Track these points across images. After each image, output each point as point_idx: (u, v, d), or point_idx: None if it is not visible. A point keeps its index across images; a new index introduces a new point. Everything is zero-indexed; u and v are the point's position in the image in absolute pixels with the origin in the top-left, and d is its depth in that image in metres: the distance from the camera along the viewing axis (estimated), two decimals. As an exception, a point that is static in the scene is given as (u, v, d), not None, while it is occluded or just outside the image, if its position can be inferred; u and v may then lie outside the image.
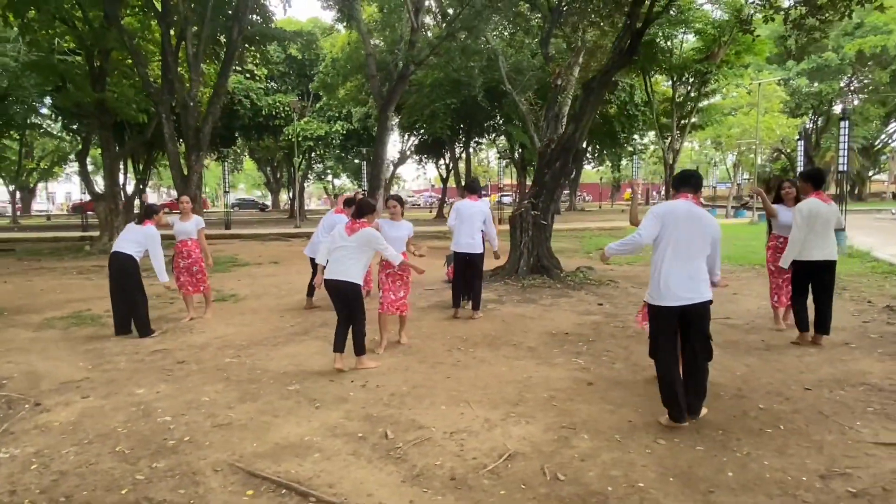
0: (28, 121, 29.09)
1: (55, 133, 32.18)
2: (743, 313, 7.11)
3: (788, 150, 34.31)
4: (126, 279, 6.41)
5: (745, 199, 29.56)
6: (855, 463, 3.27)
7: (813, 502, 2.89)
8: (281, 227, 25.40)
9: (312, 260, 7.88)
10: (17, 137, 31.24)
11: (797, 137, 21.53)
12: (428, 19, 21.20)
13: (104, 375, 5.07)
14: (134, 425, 3.93)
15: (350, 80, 25.73)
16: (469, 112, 28.65)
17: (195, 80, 12.16)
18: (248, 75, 29.87)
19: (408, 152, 45.43)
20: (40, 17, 16.10)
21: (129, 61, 17.66)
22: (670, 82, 18.54)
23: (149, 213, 6.67)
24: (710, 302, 3.81)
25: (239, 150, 44.41)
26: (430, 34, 21.32)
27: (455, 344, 5.88)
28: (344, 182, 54.68)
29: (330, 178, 54.78)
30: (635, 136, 28.60)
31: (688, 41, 18.23)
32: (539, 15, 15.67)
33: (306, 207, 47.45)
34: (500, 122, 32.03)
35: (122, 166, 34.54)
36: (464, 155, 37.08)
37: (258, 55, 17.78)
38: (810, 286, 5.56)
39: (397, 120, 32.04)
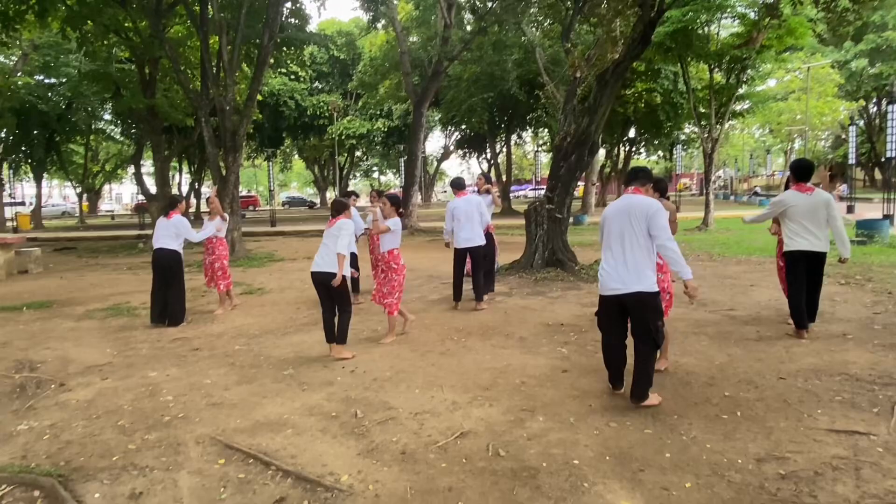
0: (92, 126, 31.14)
1: (117, 137, 34.16)
2: (751, 305, 7.05)
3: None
4: (171, 274, 6.99)
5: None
6: (798, 448, 3.35)
7: (739, 482, 3.01)
8: (323, 224, 26.18)
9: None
10: (83, 142, 33.37)
11: (850, 123, 20.52)
12: (462, 15, 21.33)
13: (125, 360, 5.59)
14: (139, 403, 4.39)
15: (388, 78, 26.24)
16: (509, 105, 28.68)
17: (230, 85, 12.79)
18: (292, 77, 30.91)
19: (451, 147, 45.78)
20: (95, 28, 17.28)
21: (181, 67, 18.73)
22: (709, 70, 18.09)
23: (172, 204, 7.25)
24: (650, 293, 3.90)
25: (288, 150, 45.88)
26: (468, 28, 21.51)
27: (450, 334, 6.13)
28: (389, 178, 55.52)
29: (376, 174, 55.78)
30: (681, 126, 27.89)
31: (725, 26, 17.72)
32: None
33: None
34: (541, 114, 31.87)
35: (178, 167, 36.42)
36: (505, 149, 37.00)
37: (296, 58, 18.37)
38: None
39: (438, 116, 32.44)
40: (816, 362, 4.81)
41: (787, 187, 5.93)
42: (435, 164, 53.11)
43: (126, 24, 17.31)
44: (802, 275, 5.48)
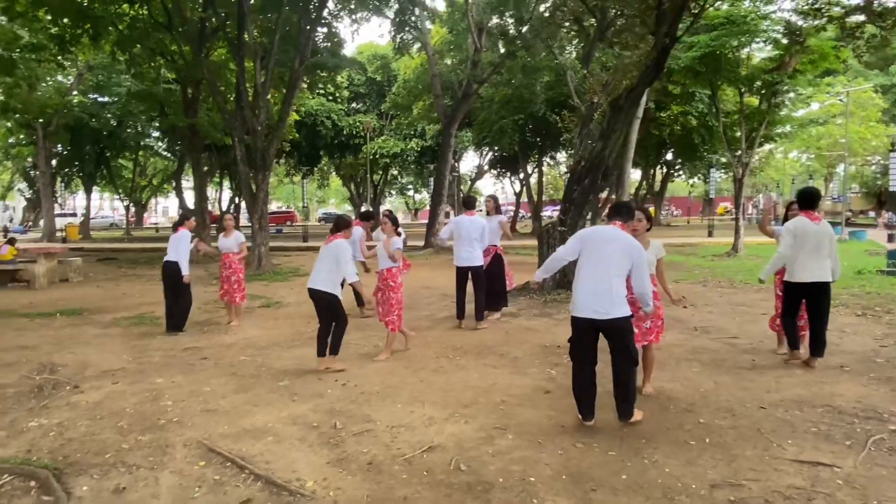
0: (141, 143, 32.74)
1: (163, 154, 35.76)
2: (756, 334, 6.97)
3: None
4: (173, 284, 7.42)
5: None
6: (756, 476, 3.38)
7: (686, 506, 3.07)
8: (354, 240, 26.68)
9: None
10: (132, 157, 35.05)
11: (891, 149, 19.95)
12: (493, 39, 21.70)
13: (138, 366, 5.94)
14: (141, 407, 4.69)
15: (421, 100, 26.79)
16: (541, 127, 28.85)
17: (262, 107, 13.38)
18: (330, 98, 31.86)
19: (485, 167, 46.09)
20: (142, 51, 18.33)
21: (221, 88, 19.62)
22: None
23: (181, 220, 7.75)
24: (627, 318, 4.01)
25: (325, 168, 47.06)
26: (502, 50, 21.86)
27: (446, 352, 6.29)
28: (424, 196, 56.14)
29: (411, 192, 56.55)
30: (715, 149, 27.55)
31: (758, 49, 17.55)
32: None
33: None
34: (573, 136, 31.92)
35: (220, 183, 37.76)
36: (537, 169, 37.08)
37: (330, 81, 19.02)
38: (806, 309, 5.49)
39: (470, 136, 32.85)
40: (803, 393, 4.78)
41: (786, 218, 5.92)
42: (469, 183, 53.54)
43: (172, 48, 18.32)
44: (799, 304, 5.44)
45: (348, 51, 36.98)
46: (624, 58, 10.40)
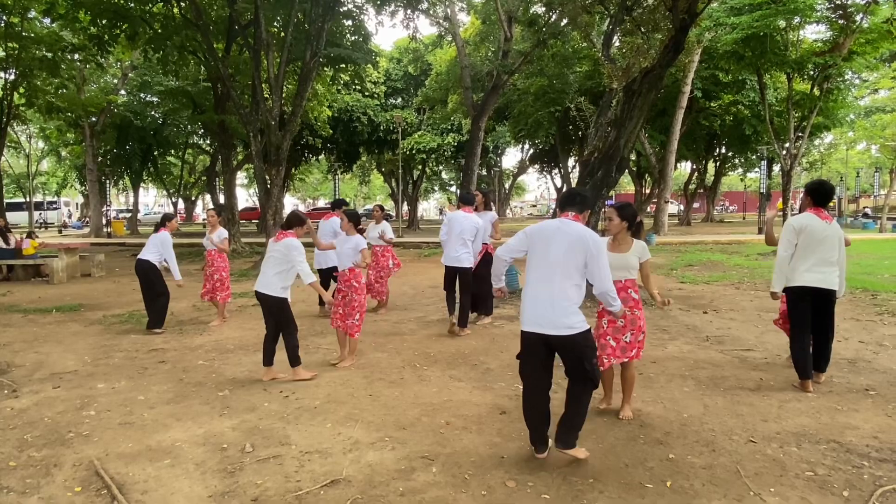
0: (188, 140, 33.54)
1: (208, 151, 36.54)
2: (776, 346, 6.10)
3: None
4: (148, 281, 7.19)
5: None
6: (714, 537, 2.70)
7: (609, 578, 2.43)
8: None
9: (320, 270, 8.17)
10: (178, 155, 35.98)
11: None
12: (524, 28, 20.87)
13: (92, 369, 5.66)
14: (61, 417, 4.36)
15: (456, 93, 26.22)
16: (579, 119, 27.78)
17: (276, 101, 13.15)
18: (366, 93, 31.68)
19: (526, 161, 45.15)
20: (172, 49, 18.51)
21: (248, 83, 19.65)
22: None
23: (163, 222, 7.44)
24: (581, 333, 3.33)
25: (367, 164, 47.14)
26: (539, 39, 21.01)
27: (416, 360, 5.75)
28: (466, 192, 55.58)
29: (453, 188, 56.07)
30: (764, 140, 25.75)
31: (806, 32, 16.18)
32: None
33: (425, 217, 48.96)
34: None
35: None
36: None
37: (354, 75, 18.71)
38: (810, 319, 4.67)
39: (506, 130, 32.04)
40: (808, 423, 3.99)
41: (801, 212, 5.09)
42: (511, 178, 52.55)
43: (201, 46, 18.44)
44: (807, 315, 4.62)
45: (386, 46, 36.79)
46: (647, 40, 9.51)
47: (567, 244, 3.35)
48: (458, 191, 22.83)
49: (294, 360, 5.16)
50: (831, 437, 3.77)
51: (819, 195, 4.67)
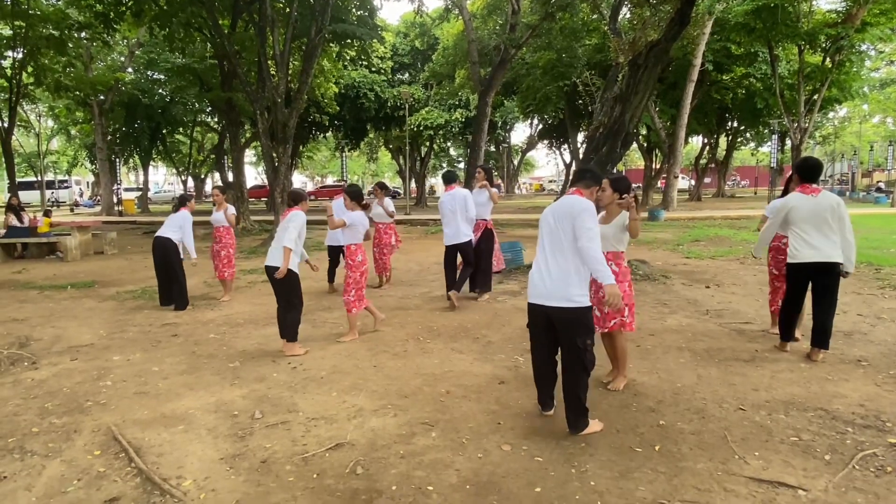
0: (196, 118, 33.58)
1: (216, 129, 36.58)
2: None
3: None
4: (167, 259, 7.37)
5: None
6: (696, 497, 2.84)
7: (595, 532, 2.59)
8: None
9: (330, 247, 8.33)
10: (187, 133, 36.07)
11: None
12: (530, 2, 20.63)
13: (107, 342, 5.87)
14: (80, 387, 4.57)
15: (463, 68, 26.01)
16: (588, 93, 27.53)
17: (282, 78, 13.17)
18: (372, 69, 31.48)
19: (535, 137, 44.82)
20: (179, 26, 18.48)
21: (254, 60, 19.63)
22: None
23: (182, 202, 7.68)
24: (578, 308, 3.43)
25: (374, 141, 46.99)
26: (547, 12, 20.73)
27: (419, 334, 5.91)
28: (475, 168, 55.37)
29: (461, 164, 55.83)
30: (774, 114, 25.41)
31: (819, 2, 15.87)
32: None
33: (437, 192, 48.90)
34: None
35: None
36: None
37: (360, 51, 18.62)
38: (810, 292, 4.76)
39: (514, 105, 31.79)
40: (797, 392, 4.11)
41: (786, 190, 5.15)
42: (520, 154, 52.23)
43: (209, 22, 18.40)
44: (804, 290, 4.71)
45: (393, 20, 36.35)
46: (656, 12, 9.40)
47: (560, 215, 3.46)
48: (465, 168, 22.78)
49: (291, 335, 5.26)
50: (819, 405, 3.89)
51: (804, 170, 4.73)
